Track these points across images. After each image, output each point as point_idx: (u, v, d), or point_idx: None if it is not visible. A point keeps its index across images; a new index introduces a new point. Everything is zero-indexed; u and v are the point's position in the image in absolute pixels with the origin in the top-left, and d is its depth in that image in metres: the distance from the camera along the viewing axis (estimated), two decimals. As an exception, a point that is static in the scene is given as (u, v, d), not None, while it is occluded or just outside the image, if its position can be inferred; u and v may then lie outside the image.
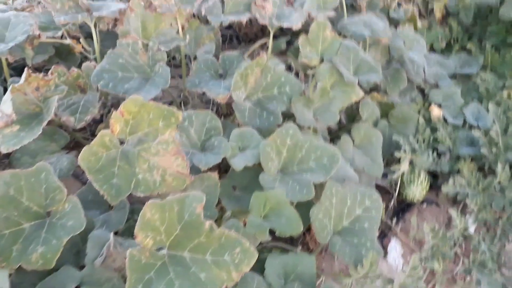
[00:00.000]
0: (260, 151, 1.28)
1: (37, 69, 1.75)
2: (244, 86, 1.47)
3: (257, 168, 1.31)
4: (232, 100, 1.45)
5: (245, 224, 1.21)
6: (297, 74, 1.82)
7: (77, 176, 1.49)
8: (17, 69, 1.64)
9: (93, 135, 1.15)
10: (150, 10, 1.49)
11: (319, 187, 1.29)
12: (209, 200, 1.26)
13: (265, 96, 1.52)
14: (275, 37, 1.87)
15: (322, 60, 1.70)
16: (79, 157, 1.10)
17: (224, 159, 1.30)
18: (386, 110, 1.80)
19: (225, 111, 1.75)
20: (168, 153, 1.19)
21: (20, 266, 1.05)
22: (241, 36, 2.30)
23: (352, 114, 1.74)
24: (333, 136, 1.67)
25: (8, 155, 1.30)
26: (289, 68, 1.82)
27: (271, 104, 1.50)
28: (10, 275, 1.05)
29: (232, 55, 1.62)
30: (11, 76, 1.47)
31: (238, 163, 1.28)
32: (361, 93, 1.63)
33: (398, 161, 1.69)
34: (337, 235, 1.26)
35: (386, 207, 1.67)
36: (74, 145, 1.67)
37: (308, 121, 1.46)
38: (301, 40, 1.68)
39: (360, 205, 1.31)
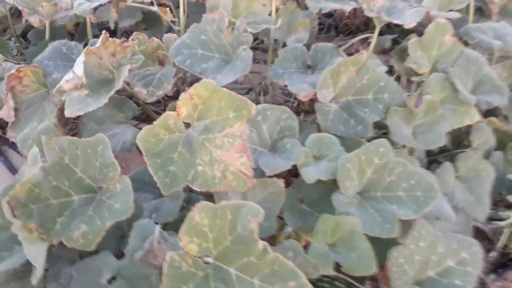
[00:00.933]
0: (339, 165, 1.07)
1: (126, 32, 1.71)
2: (333, 85, 1.26)
3: (332, 183, 1.11)
4: (316, 98, 1.25)
5: (305, 246, 1.03)
6: (398, 79, 1.55)
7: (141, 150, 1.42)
8: (108, 31, 1.62)
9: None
10: (244, -15, 1.34)
11: (405, 223, 1.05)
12: (270, 210, 1.09)
13: (357, 100, 1.29)
14: (380, 33, 1.61)
15: (433, 69, 1.42)
16: (137, 136, 1.00)
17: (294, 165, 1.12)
18: (504, 141, 1.45)
19: (308, 108, 1.56)
20: (233, 148, 1.04)
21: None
22: (341, 27, 2.06)
23: (459, 138, 1.43)
24: (432, 159, 1.39)
25: (76, 118, 1.25)
26: (389, 71, 1.56)
27: (362, 111, 1.27)
28: (53, 246, 1.00)
29: (325, 47, 1.41)
30: (95, 37, 1.43)
31: (310, 174, 1.09)
32: (477, 116, 1.32)
33: (509, 206, 1.36)
34: (417, 286, 1.02)
35: (484, 258, 1.35)
36: (145, 118, 1.61)
37: (406, 138, 1.20)
38: (412, 41, 1.40)
39: (454, 256, 1.04)
